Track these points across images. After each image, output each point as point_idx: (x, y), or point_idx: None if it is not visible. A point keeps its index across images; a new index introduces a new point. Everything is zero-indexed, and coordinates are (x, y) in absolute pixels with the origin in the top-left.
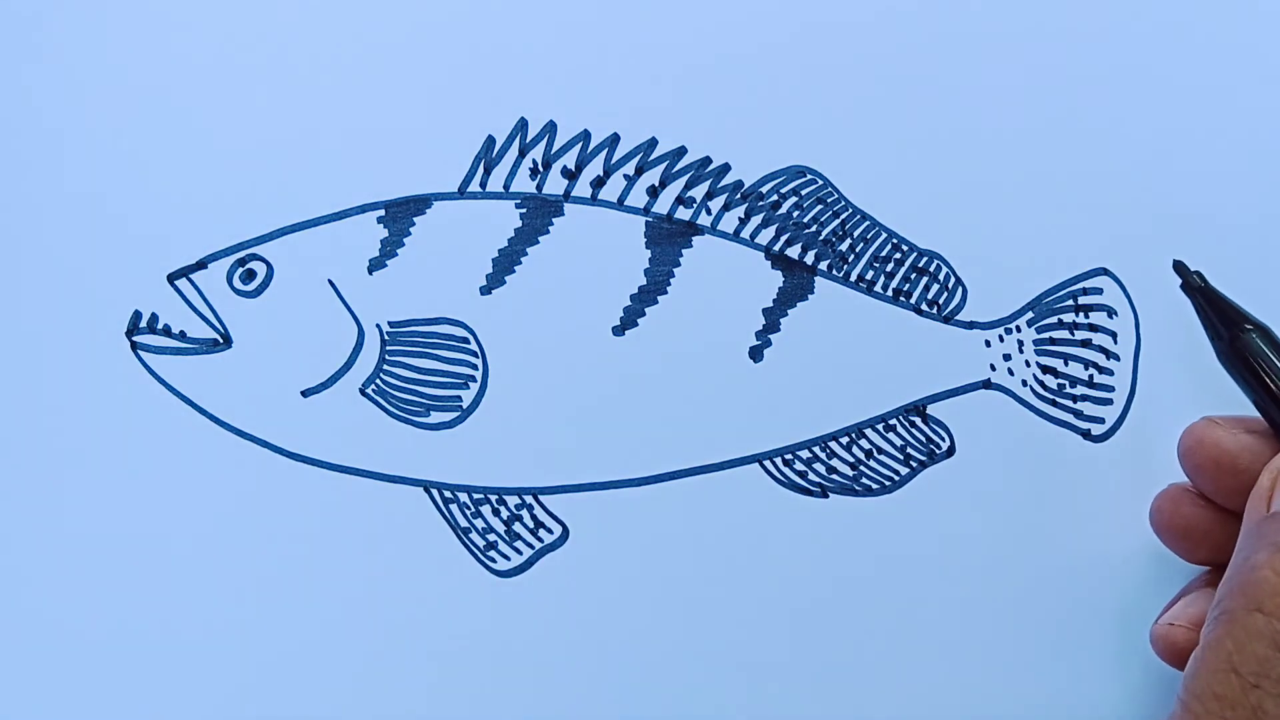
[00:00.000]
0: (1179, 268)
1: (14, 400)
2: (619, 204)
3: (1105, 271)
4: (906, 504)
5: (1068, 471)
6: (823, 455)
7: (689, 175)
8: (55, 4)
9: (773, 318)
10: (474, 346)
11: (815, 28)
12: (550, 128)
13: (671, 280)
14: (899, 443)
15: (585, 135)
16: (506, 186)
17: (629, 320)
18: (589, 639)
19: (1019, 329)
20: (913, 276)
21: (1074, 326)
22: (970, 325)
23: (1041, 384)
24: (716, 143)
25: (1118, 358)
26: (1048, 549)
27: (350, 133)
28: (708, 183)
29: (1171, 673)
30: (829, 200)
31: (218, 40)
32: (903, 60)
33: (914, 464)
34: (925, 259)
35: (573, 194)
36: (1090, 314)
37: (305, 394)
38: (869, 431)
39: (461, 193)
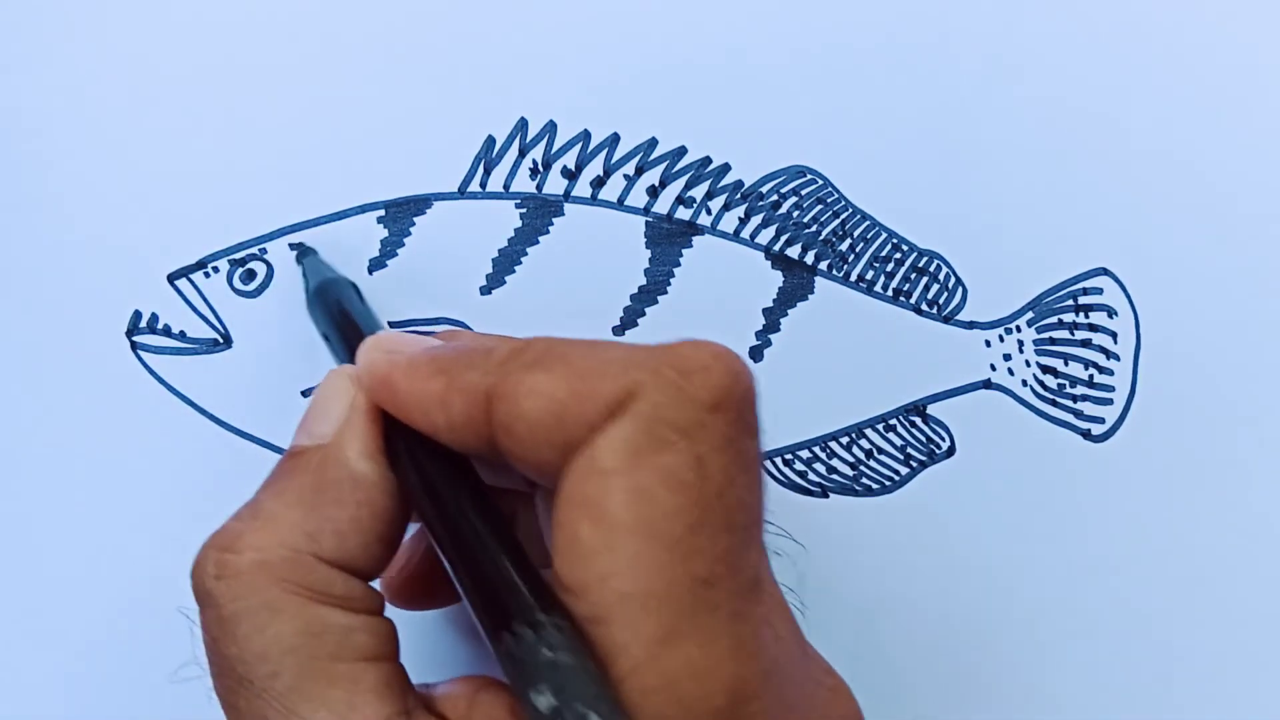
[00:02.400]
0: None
1: (14, 400)
2: (619, 204)
3: (1105, 271)
4: (906, 504)
5: (1068, 471)
6: (823, 455)
7: (689, 175)
8: (55, 3)
9: (773, 318)
10: None
11: (815, 28)
12: (550, 128)
13: (671, 280)
14: (899, 443)
15: (585, 135)
16: (506, 186)
17: (629, 320)
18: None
19: (1019, 329)
20: (913, 276)
21: (1074, 326)
22: (970, 325)
23: (1041, 384)
24: (716, 143)
25: (1118, 358)
26: (1048, 549)
27: (350, 133)
28: (708, 183)
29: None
30: (829, 200)
31: (218, 40)
32: (903, 60)
33: (914, 464)
34: (925, 259)
35: (573, 194)
36: (1090, 314)
37: (305, 394)
38: (869, 431)
39: (461, 193)
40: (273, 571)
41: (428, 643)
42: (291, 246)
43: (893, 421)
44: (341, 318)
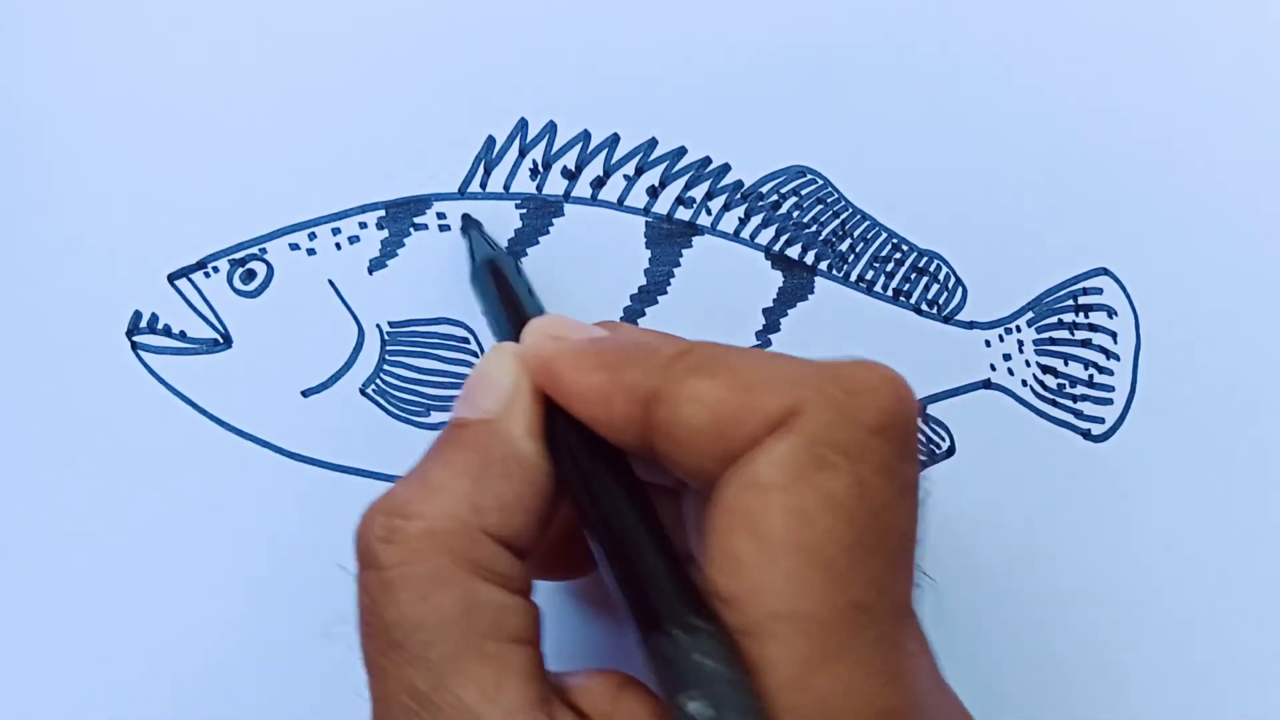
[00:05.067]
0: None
1: (14, 400)
2: (619, 204)
3: (1105, 271)
4: None
5: (1068, 471)
6: None
7: (689, 175)
8: (55, 3)
9: (773, 318)
10: (474, 346)
11: (815, 28)
12: (550, 128)
13: (671, 280)
14: None
15: (585, 135)
16: (506, 186)
17: (629, 320)
18: (589, 639)
19: (1019, 329)
20: (913, 276)
21: (1074, 326)
22: (970, 325)
23: (1041, 384)
24: (716, 143)
25: (1118, 358)
26: (1047, 549)
27: (350, 133)
28: (708, 183)
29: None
30: (829, 200)
31: (218, 40)
32: (903, 60)
33: None
34: (925, 259)
35: (573, 194)
36: (1090, 314)
37: (305, 394)
38: None
39: (461, 193)
40: (441, 541)
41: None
42: (461, 219)
43: None
44: (504, 294)
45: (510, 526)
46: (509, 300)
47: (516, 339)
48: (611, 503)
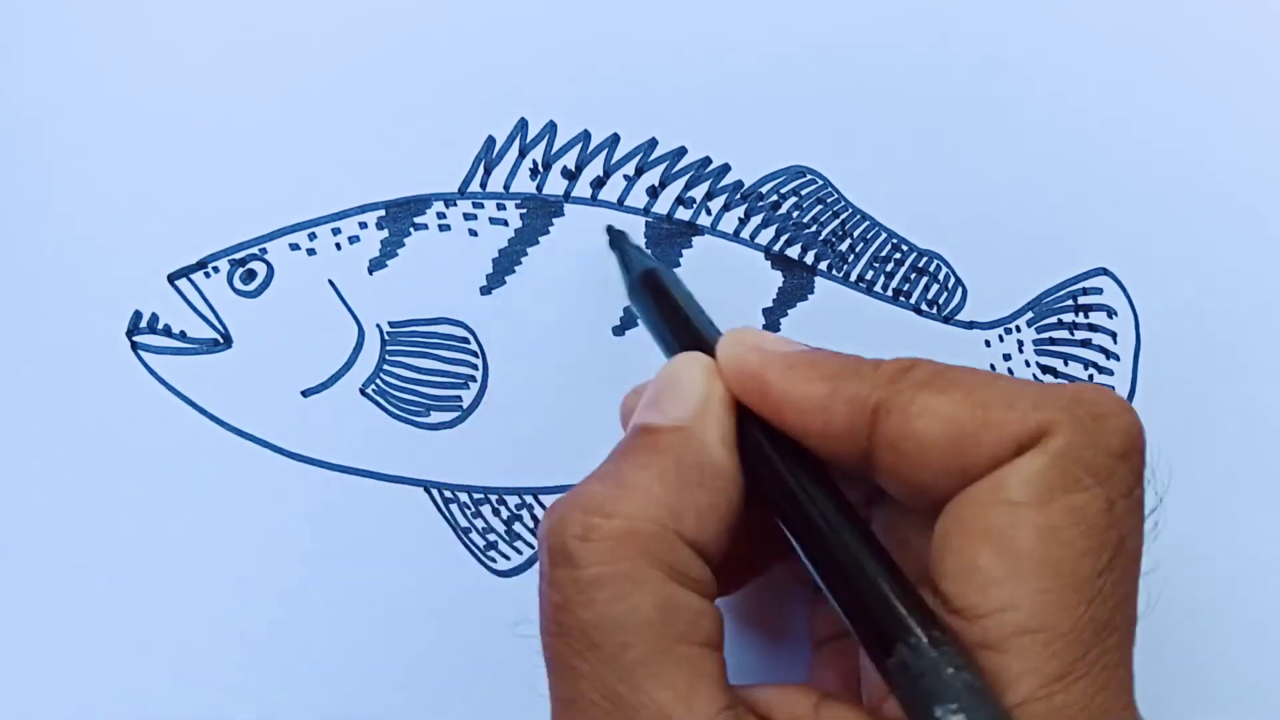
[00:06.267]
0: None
1: (14, 400)
2: (619, 204)
3: (1105, 271)
4: None
5: None
6: None
7: (689, 175)
8: (56, 3)
9: (773, 318)
10: (474, 346)
11: (815, 28)
12: (550, 128)
13: None
14: None
15: (585, 135)
16: (506, 187)
17: (629, 320)
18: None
19: (1019, 329)
20: (913, 276)
21: (1074, 326)
22: (970, 325)
23: None
24: (716, 143)
25: (1118, 358)
26: None
27: (350, 133)
28: (708, 183)
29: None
30: (829, 200)
31: (218, 40)
32: (903, 60)
33: None
34: (925, 259)
35: (573, 194)
36: (1090, 314)
37: (305, 394)
38: None
39: (461, 193)
40: (639, 542)
41: None
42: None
43: None
44: (669, 306)
45: (704, 533)
46: (676, 312)
47: (687, 349)
48: (829, 516)
